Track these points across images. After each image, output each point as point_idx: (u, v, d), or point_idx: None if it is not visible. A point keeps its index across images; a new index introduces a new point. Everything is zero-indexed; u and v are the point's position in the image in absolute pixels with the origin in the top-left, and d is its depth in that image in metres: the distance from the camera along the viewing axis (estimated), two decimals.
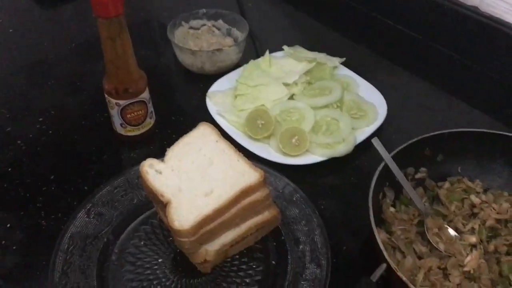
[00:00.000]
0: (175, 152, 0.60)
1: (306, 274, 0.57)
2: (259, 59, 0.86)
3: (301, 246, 0.60)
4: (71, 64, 0.90)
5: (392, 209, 0.63)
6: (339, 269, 0.59)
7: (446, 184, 0.66)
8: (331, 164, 0.72)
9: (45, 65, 0.90)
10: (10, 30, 0.99)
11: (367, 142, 0.72)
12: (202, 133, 0.62)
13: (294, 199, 0.65)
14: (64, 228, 0.60)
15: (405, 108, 0.82)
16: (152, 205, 0.63)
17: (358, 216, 0.64)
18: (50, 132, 0.76)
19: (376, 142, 0.63)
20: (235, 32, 0.91)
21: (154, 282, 0.58)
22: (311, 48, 0.89)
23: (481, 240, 0.60)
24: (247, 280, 0.58)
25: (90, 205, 0.63)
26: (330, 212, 0.66)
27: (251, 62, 0.85)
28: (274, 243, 0.62)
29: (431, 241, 0.59)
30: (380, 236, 0.56)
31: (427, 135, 0.65)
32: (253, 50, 0.92)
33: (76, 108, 0.81)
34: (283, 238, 0.62)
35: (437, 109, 0.82)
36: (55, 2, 1.07)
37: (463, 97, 0.84)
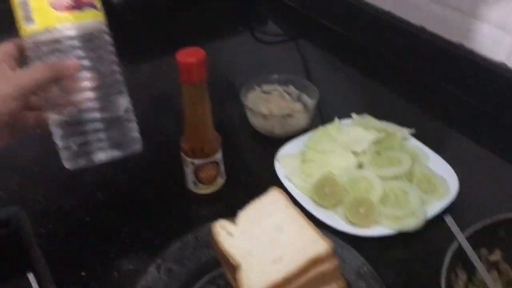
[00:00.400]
0: (246, 215, 0.61)
1: None
2: (328, 126, 0.88)
3: None
4: (148, 119, 0.96)
5: None
6: None
7: None
8: (399, 237, 0.71)
9: None
10: None
11: (437, 217, 0.71)
12: (273, 199, 0.63)
13: (361, 272, 0.64)
14: (135, 281, 0.62)
15: (477, 184, 0.80)
16: (219, 265, 0.64)
17: None
18: (127, 184, 0.80)
19: (449, 220, 0.62)
20: (305, 97, 0.94)
21: None
22: (379, 116, 0.90)
23: None
24: None
25: (161, 260, 0.65)
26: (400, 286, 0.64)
27: (320, 128, 0.87)
28: None
29: None
30: None
31: (502, 217, 0.63)
32: (319, 115, 0.94)
33: (151, 162, 0.85)
34: None
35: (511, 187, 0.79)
36: (137, 60, 1.15)
37: None
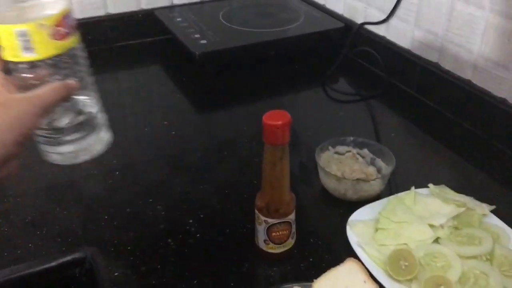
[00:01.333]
0: (322, 284, 0.60)
1: None
2: (403, 194, 0.85)
3: None
4: (222, 169, 0.98)
5: None
6: None
7: None
8: None
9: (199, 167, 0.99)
10: (165, 122, 1.11)
11: None
12: (349, 270, 0.62)
13: None
14: None
15: None
16: None
17: None
18: (198, 235, 0.81)
19: None
20: (379, 162, 0.92)
21: None
22: (456, 188, 0.87)
23: None
24: None
25: None
26: None
27: (395, 196, 0.85)
28: None
29: None
30: None
31: None
32: (393, 183, 0.93)
33: (224, 215, 0.86)
34: None
35: None
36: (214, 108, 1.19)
37: None
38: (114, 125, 0.74)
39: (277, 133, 0.67)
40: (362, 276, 0.60)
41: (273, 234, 0.74)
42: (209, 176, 0.95)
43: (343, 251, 0.75)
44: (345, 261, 0.62)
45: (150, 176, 0.96)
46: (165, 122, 1.12)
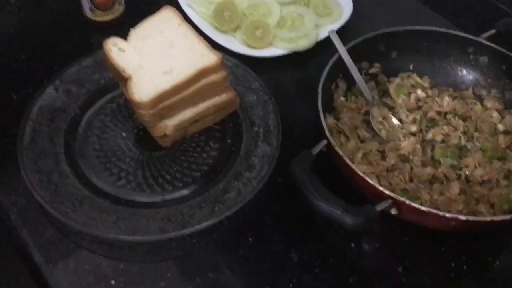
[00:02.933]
0: (138, 33, 0.62)
1: (257, 151, 0.63)
2: None
3: (255, 128, 0.65)
4: None
5: (342, 98, 0.68)
6: (289, 150, 0.64)
7: (397, 80, 0.70)
8: (293, 59, 0.75)
9: None
10: None
11: (329, 40, 0.75)
12: (165, 17, 0.64)
13: (253, 87, 0.69)
14: (33, 101, 0.64)
15: (371, 8, 0.84)
16: (118, 86, 0.67)
17: (312, 105, 0.68)
18: (22, 14, 0.77)
19: (332, 34, 0.66)
20: None
21: (117, 153, 0.63)
22: None
23: (420, 130, 0.65)
24: (204, 155, 0.64)
25: (59, 82, 0.66)
26: (287, 100, 0.70)
27: None
28: (231, 125, 0.67)
29: (374, 128, 0.65)
30: (327, 120, 0.61)
31: (382, 31, 0.68)
32: None
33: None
34: (240, 121, 0.66)
35: (400, 8, 0.84)
36: None
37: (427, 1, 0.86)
38: None
39: None
40: (177, 20, 0.63)
41: None
42: None
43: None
44: (160, 9, 0.64)
45: None
46: None
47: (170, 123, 0.61)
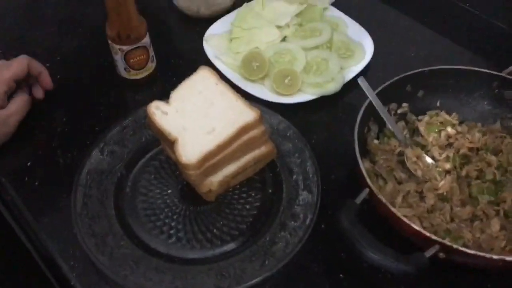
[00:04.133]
0: (178, 94, 0.65)
1: (299, 199, 0.65)
2: (253, 2, 0.89)
3: (294, 176, 0.67)
4: (68, 6, 0.93)
5: (376, 141, 0.70)
6: (328, 195, 0.66)
7: (426, 118, 0.73)
8: (322, 102, 0.78)
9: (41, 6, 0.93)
10: None
11: (355, 80, 0.78)
12: (202, 77, 0.67)
13: (288, 134, 0.71)
14: (80, 165, 0.66)
15: (391, 46, 0.86)
16: (158, 143, 0.70)
17: (347, 148, 0.70)
18: (58, 76, 0.80)
19: (361, 81, 0.69)
20: None
21: (165, 210, 0.65)
22: None
23: (454, 167, 0.67)
24: (247, 207, 0.66)
25: (103, 144, 0.69)
26: (321, 145, 0.73)
27: (245, 5, 0.88)
28: (271, 174, 0.69)
29: (410, 168, 0.67)
30: (364, 165, 0.63)
31: (409, 73, 0.71)
32: None
33: (80, 53, 0.85)
34: (278, 169, 0.69)
35: (421, 46, 0.87)
36: None
37: (446, 34, 0.89)
38: None
39: None
40: (214, 79, 0.66)
41: (131, 60, 0.76)
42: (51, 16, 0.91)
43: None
44: (197, 70, 0.67)
45: None
46: None
47: (215, 179, 0.64)
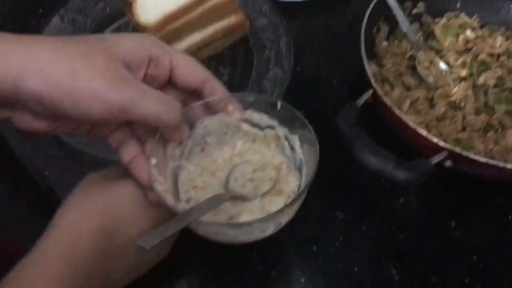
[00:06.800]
0: None
1: (269, 74, 0.60)
2: None
3: (266, 52, 0.63)
4: None
5: (385, 43, 0.62)
6: (330, 101, 0.60)
7: (443, 20, 0.64)
8: (328, 6, 0.69)
9: None
10: None
11: None
12: None
13: (263, 9, 0.65)
14: (38, 31, 0.60)
15: None
16: (124, 15, 0.62)
17: (352, 50, 0.62)
18: None
19: None
20: None
21: None
22: None
23: (471, 74, 0.59)
24: None
25: (64, 11, 0.63)
26: (324, 49, 0.65)
27: None
28: (242, 50, 0.63)
29: (420, 74, 0.59)
30: (370, 67, 0.56)
31: None
32: None
33: None
34: (250, 45, 0.63)
35: None
36: None
37: None
38: None
39: None
40: None
41: None
42: None
43: None
44: None
45: None
46: None
47: (179, 48, 0.57)
